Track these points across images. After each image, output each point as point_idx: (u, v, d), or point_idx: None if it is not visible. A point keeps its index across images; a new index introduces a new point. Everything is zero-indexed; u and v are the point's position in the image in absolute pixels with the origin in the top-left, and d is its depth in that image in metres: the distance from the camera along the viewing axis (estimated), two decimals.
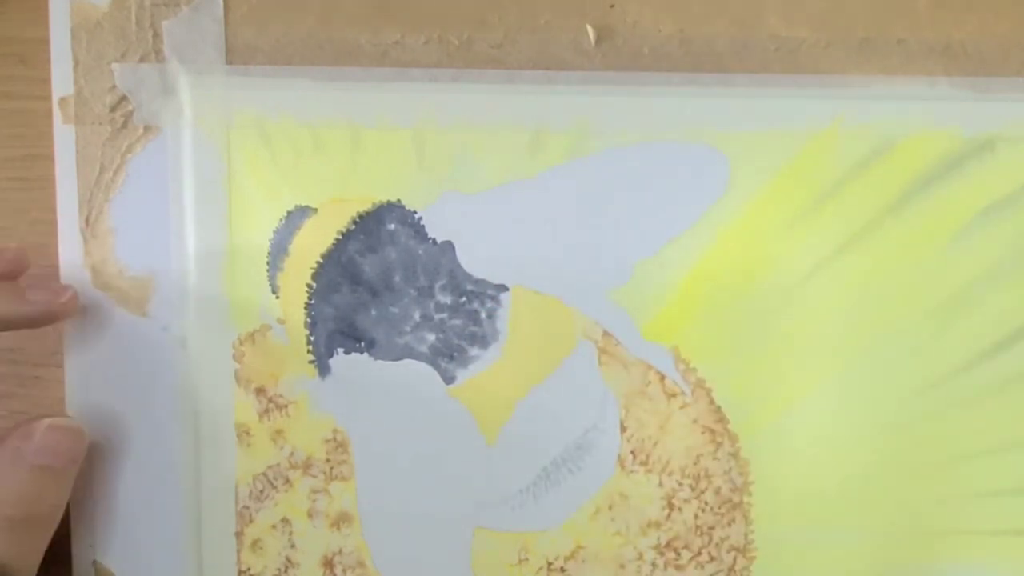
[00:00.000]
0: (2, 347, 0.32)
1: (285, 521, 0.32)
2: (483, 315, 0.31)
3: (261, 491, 0.32)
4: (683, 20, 0.30)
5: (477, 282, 0.31)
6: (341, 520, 0.32)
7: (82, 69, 0.31)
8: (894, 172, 0.30)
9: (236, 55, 0.30)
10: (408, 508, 0.32)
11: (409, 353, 0.31)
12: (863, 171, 0.30)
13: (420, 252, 0.31)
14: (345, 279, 0.31)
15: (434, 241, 0.31)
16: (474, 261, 0.31)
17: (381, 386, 0.31)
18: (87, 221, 0.31)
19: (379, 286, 0.31)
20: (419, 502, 0.32)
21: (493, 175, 0.31)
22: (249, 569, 0.32)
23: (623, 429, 0.31)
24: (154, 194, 0.31)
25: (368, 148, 0.31)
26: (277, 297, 0.31)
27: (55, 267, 0.31)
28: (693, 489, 0.32)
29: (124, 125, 0.31)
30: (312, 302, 0.31)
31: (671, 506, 0.32)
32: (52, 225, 0.31)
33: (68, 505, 0.32)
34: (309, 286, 0.31)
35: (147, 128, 0.31)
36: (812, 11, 0.30)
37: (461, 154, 0.31)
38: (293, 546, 0.32)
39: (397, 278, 0.31)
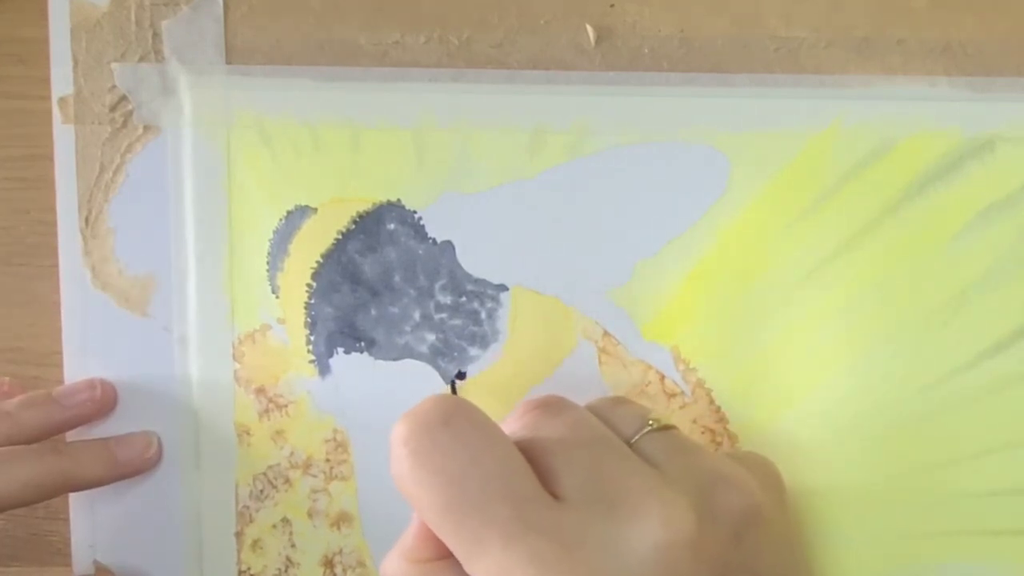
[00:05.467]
0: (2, 347, 0.32)
1: (285, 521, 0.32)
2: (483, 315, 0.31)
3: (261, 491, 0.32)
4: (683, 20, 0.30)
5: (477, 282, 0.31)
6: (341, 520, 0.32)
7: (82, 69, 0.31)
8: (894, 172, 0.30)
9: (236, 55, 0.30)
10: (408, 508, 0.32)
11: (409, 353, 0.31)
12: (863, 171, 0.30)
13: (420, 252, 0.31)
14: (345, 279, 0.31)
15: (434, 241, 0.31)
16: (474, 261, 0.31)
17: (381, 386, 0.31)
18: (87, 221, 0.31)
19: (379, 286, 0.31)
20: None
21: (493, 175, 0.31)
22: (249, 569, 0.32)
23: None
24: (154, 194, 0.31)
25: (368, 148, 0.31)
26: (277, 297, 0.31)
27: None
28: None
29: (124, 125, 0.31)
30: (312, 302, 0.31)
31: None
32: (52, 225, 0.31)
33: (68, 505, 0.32)
34: (309, 286, 0.31)
35: (147, 128, 0.31)
36: (812, 11, 0.30)
37: (461, 154, 0.31)
38: (293, 546, 0.32)
39: (397, 278, 0.31)
